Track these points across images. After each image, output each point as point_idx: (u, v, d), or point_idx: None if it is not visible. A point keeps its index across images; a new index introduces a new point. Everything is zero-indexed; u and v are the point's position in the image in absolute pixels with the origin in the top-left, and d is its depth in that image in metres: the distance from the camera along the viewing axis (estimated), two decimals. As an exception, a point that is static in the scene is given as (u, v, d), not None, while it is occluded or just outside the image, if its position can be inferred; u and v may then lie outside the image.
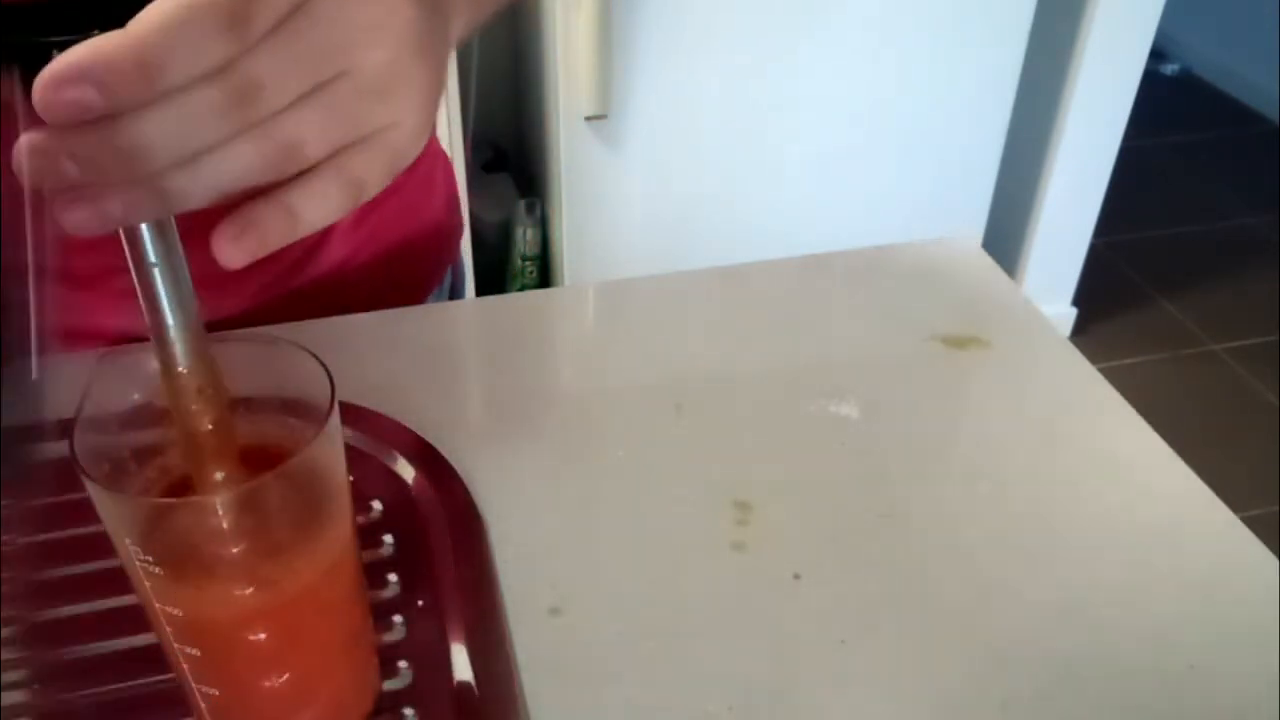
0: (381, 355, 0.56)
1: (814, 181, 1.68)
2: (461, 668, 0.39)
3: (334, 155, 0.29)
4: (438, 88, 0.32)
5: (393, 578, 0.43)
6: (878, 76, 1.60)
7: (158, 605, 0.31)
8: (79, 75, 0.23)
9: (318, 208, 0.29)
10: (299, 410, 0.32)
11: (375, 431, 0.48)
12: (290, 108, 0.27)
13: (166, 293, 0.28)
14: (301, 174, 0.29)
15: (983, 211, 1.79)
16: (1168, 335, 2.14)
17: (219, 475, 0.31)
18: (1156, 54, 2.02)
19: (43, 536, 0.44)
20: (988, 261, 0.64)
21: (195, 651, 0.32)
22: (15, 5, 0.25)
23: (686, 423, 0.52)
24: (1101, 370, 0.55)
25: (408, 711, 0.38)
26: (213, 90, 0.25)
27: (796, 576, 0.44)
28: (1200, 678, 0.40)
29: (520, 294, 0.65)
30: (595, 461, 0.49)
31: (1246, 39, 2.87)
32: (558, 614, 0.42)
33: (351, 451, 0.47)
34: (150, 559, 0.29)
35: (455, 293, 0.72)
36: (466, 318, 0.64)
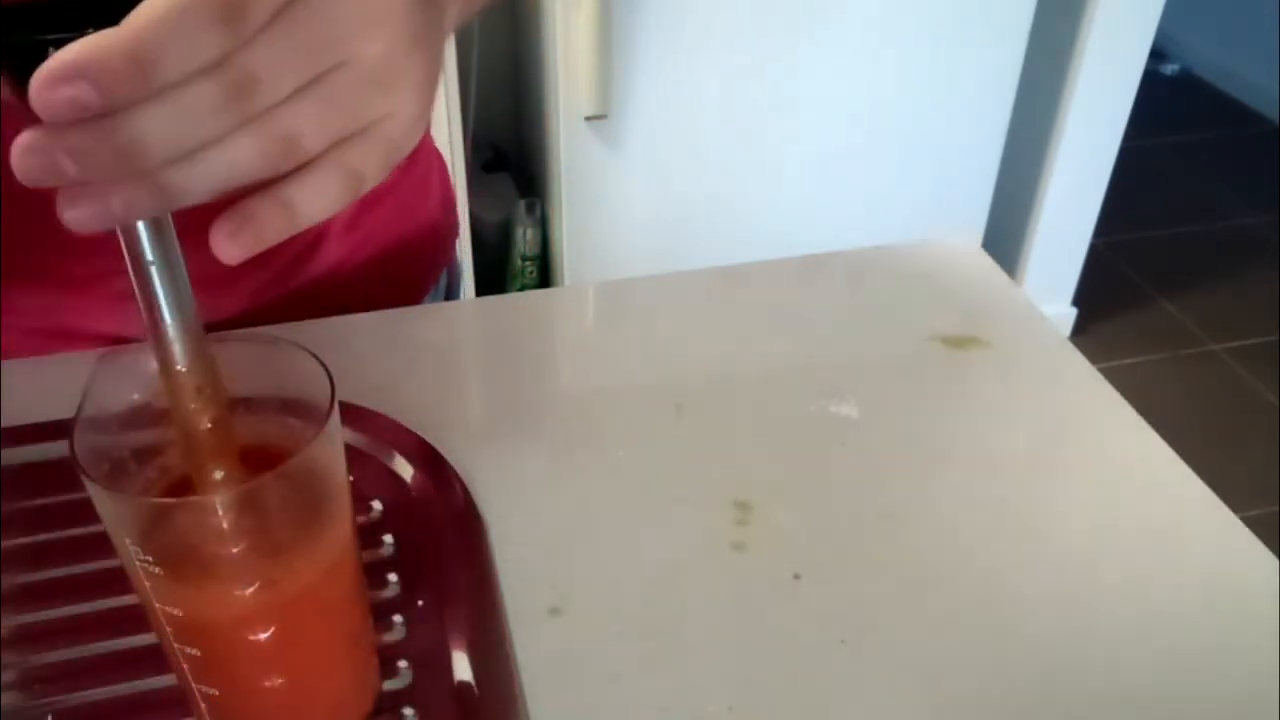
0: (381, 355, 0.56)
1: (814, 181, 1.68)
2: (461, 668, 0.39)
3: (332, 148, 0.29)
4: (434, 78, 0.32)
5: (393, 578, 0.43)
6: (878, 76, 1.60)
7: (158, 605, 0.31)
8: (75, 73, 0.23)
9: (316, 201, 0.29)
10: (299, 410, 0.32)
11: (375, 431, 0.48)
12: (287, 101, 0.27)
13: (164, 292, 0.28)
14: (299, 168, 0.29)
15: (983, 211, 1.79)
16: (1168, 335, 2.14)
17: (218, 474, 0.31)
18: (1156, 54, 2.02)
19: (43, 536, 0.44)
20: (988, 261, 0.64)
21: (195, 651, 0.32)
22: (11, 4, 0.25)
23: (686, 423, 0.52)
24: (1101, 370, 0.55)
25: (408, 711, 0.38)
26: (209, 85, 0.25)
27: (796, 576, 0.44)
28: (1200, 678, 0.40)
29: (520, 294, 0.65)
30: (595, 461, 0.49)
31: (1246, 39, 2.87)
32: (558, 614, 0.42)
33: (351, 451, 0.47)
34: (150, 559, 0.29)
35: (451, 294, 0.71)
36: (466, 318, 0.64)
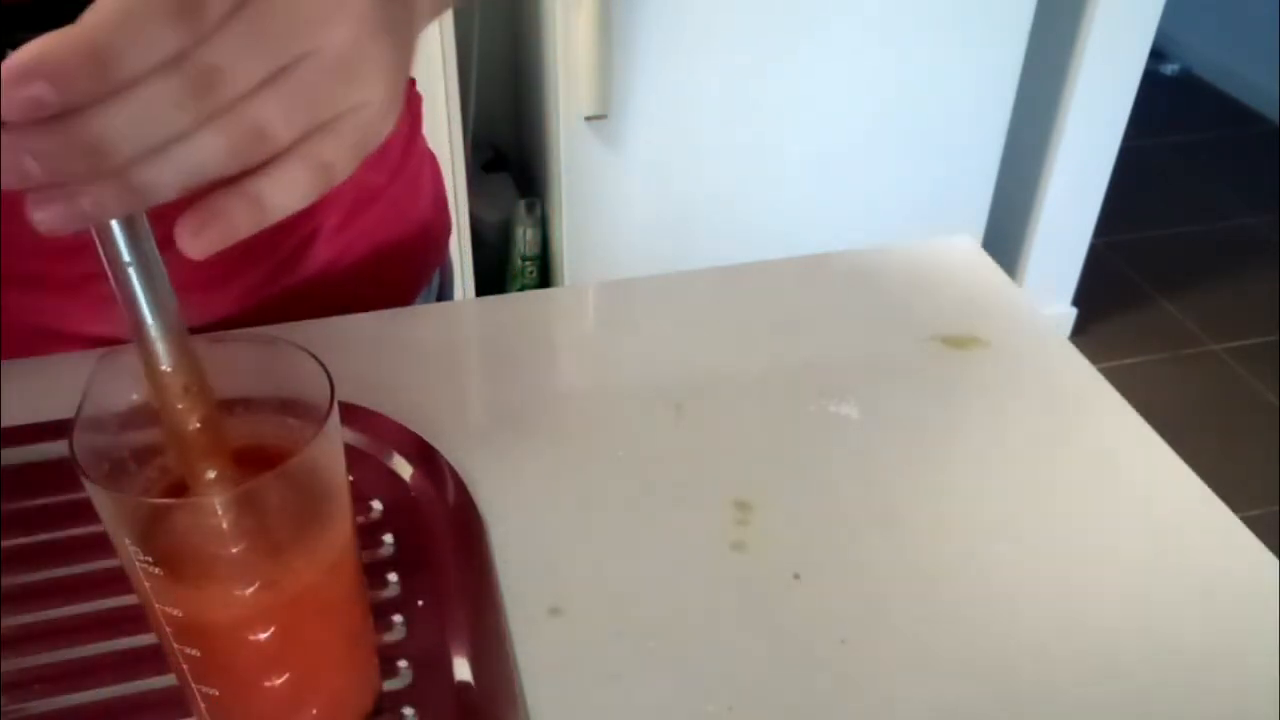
0: (381, 355, 0.56)
1: (814, 181, 1.68)
2: (461, 668, 0.39)
3: (301, 141, 0.29)
4: (403, 66, 0.32)
5: (393, 578, 0.43)
6: (878, 76, 1.60)
7: (158, 605, 0.31)
8: (31, 72, 0.23)
9: (284, 194, 0.29)
10: (299, 410, 0.32)
11: (375, 431, 0.48)
12: (253, 94, 0.27)
13: (144, 292, 0.28)
14: (267, 161, 0.28)
15: (983, 211, 1.79)
16: (1168, 335, 2.14)
17: (210, 474, 0.31)
18: (1156, 54, 2.02)
19: (43, 536, 0.44)
20: (988, 261, 0.64)
21: (195, 651, 0.32)
22: None
23: (687, 423, 0.52)
24: (1101, 370, 0.55)
25: (408, 711, 0.38)
26: (171, 80, 0.25)
27: (796, 576, 0.44)
28: (1200, 678, 0.40)
29: (520, 294, 0.65)
30: (595, 461, 0.49)
31: (1246, 39, 2.87)
32: (558, 614, 0.42)
33: (351, 451, 0.47)
34: (150, 559, 0.29)
35: (443, 293, 0.71)
36: (466, 318, 0.64)
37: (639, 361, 0.56)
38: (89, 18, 0.24)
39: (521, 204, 1.75)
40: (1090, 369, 0.55)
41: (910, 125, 1.66)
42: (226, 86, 0.26)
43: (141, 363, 0.29)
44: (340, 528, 0.33)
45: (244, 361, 0.33)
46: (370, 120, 0.31)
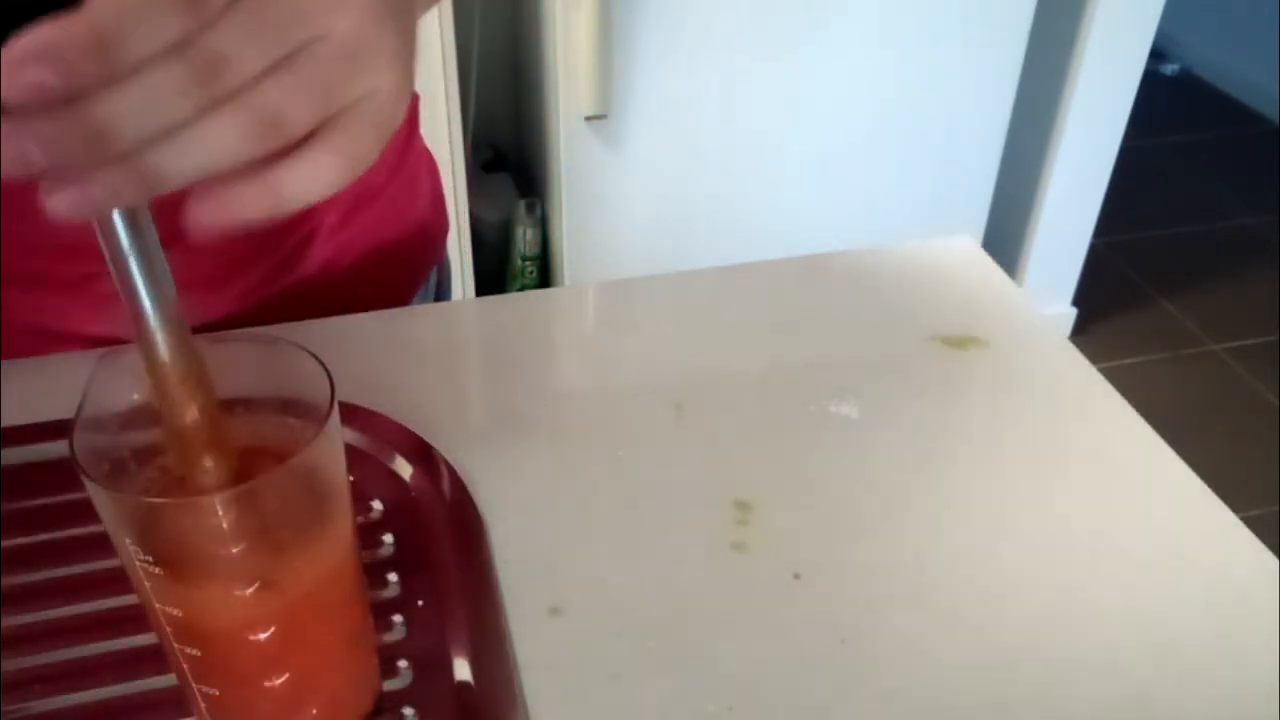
0: (381, 355, 0.56)
1: (814, 181, 1.68)
2: (461, 668, 0.39)
3: (321, 131, 0.29)
4: (409, 52, 0.32)
5: (393, 578, 0.43)
6: (877, 76, 1.60)
7: (158, 605, 0.31)
8: (34, 57, 0.23)
9: (306, 183, 0.29)
10: (299, 410, 0.32)
11: (375, 431, 0.48)
12: (261, 80, 0.27)
13: (144, 284, 0.28)
14: (288, 151, 0.28)
15: (983, 211, 1.79)
16: (1168, 335, 2.14)
17: (209, 465, 0.31)
18: (1156, 54, 2.02)
19: (43, 536, 0.44)
20: (987, 261, 0.64)
21: (195, 651, 0.32)
22: None
23: (686, 423, 0.52)
24: (1101, 370, 0.55)
25: (408, 711, 0.38)
26: (175, 66, 0.25)
27: (796, 576, 0.44)
28: (1200, 678, 0.40)
29: (520, 294, 0.65)
30: (595, 461, 0.49)
31: (1246, 39, 2.87)
32: (558, 614, 0.42)
33: (351, 451, 0.47)
34: (150, 559, 0.29)
35: (441, 293, 0.71)
36: (466, 318, 0.64)
37: (639, 361, 0.56)
38: (93, 3, 0.24)
39: (521, 204, 1.75)
40: (1090, 369, 0.55)
41: (910, 125, 1.66)
42: (231, 73, 0.26)
43: (141, 354, 0.29)
44: (340, 528, 0.33)
45: (244, 361, 0.33)
46: (383, 107, 0.30)
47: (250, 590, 0.31)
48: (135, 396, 0.32)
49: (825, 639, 0.41)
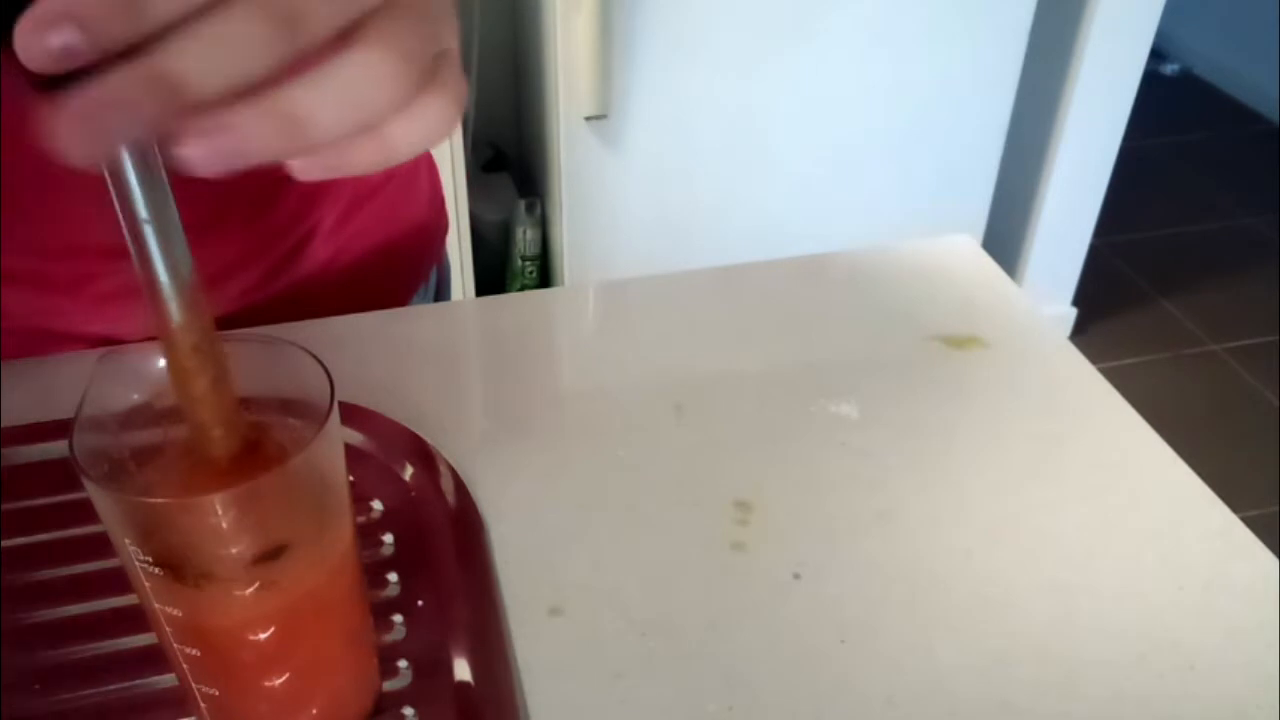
0: (381, 355, 0.56)
1: (814, 181, 1.68)
2: (461, 668, 0.39)
3: (416, 92, 0.28)
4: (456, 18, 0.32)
5: (393, 578, 0.43)
6: (878, 76, 1.60)
7: (158, 605, 0.31)
8: (60, 17, 0.23)
9: (418, 133, 0.28)
10: (299, 410, 0.32)
11: (375, 431, 0.48)
12: (343, 39, 0.26)
13: (159, 251, 0.27)
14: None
15: (983, 211, 1.79)
16: (1168, 335, 2.14)
17: (218, 435, 0.31)
18: (1156, 54, 2.02)
19: (43, 536, 0.44)
20: (988, 261, 0.64)
21: (195, 651, 0.32)
22: None
23: (687, 423, 0.52)
24: (1101, 370, 0.55)
25: (408, 711, 0.38)
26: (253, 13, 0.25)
27: (796, 576, 0.44)
28: (1200, 678, 0.40)
29: (520, 294, 0.65)
30: (595, 461, 0.49)
31: (1246, 39, 2.87)
32: (558, 614, 0.42)
33: (351, 451, 0.47)
34: (150, 559, 0.29)
35: (440, 293, 0.71)
36: (466, 318, 0.64)
37: (639, 361, 0.56)
38: None
39: (521, 204, 1.76)
40: (1090, 369, 0.55)
41: (910, 125, 1.66)
42: (310, 24, 0.26)
43: (154, 321, 0.29)
44: (340, 528, 0.33)
45: (244, 361, 0.32)
46: (455, 67, 0.30)
47: (250, 590, 0.31)
48: (135, 396, 0.32)
49: (825, 639, 0.41)
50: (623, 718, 0.39)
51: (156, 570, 0.30)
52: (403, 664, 0.39)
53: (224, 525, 0.30)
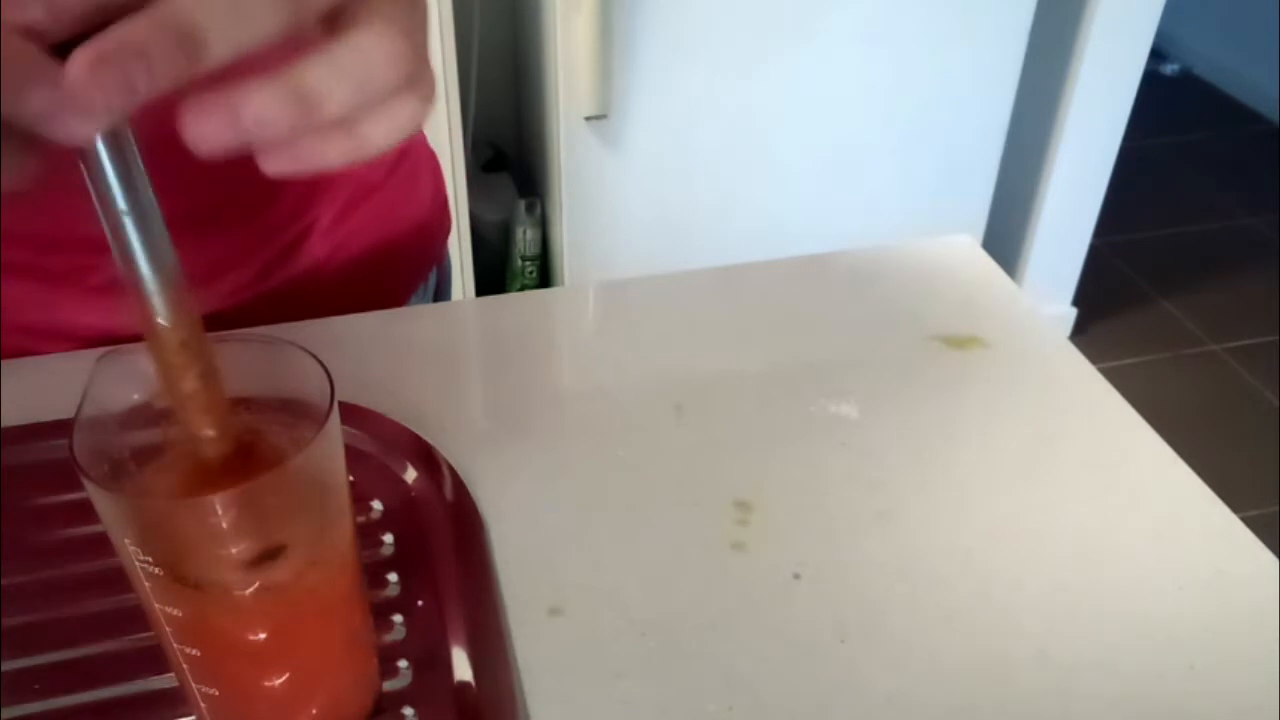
0: (381, 355, 0.56)
1: (814, 181, 1.68)
2: (461, 668, 0.39)
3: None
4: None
5: (393, 578, 0.43)
6: (878, 76, 1.60)
7: (157, 605, 0.31)
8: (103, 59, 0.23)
9: (387, 131, 0.29)
10: (299, 410, 0.32)
11: (375, 431, 0.48)
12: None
13: (140, 243, 0.27)
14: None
15: (983, 211, 1.79)
16: (1168, 335, 2.14)
17: (209, 432, 0.31)
18: (1156, 54, 2.02)
19: (43, 536, 0.44)
20: (988, 261, 0.64)
21: (195, 651, 0.32)
22: None
23: (687, 423, 0.52)
24: (1101, 370, 0.55)
25: (408, 711, 0.38)
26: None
27: (796, 576, 0.44)
28: (1200, 678, 0.40)
29: (520, 294, 0.65)
30: (595, 461, 0.49)
31: (1246, 39, 2.87)
32: (558, 614, 0.42)
33: (351, 451, 0.47)
34: (150, 559, 0.29)
35: (440, 292, 0.71)
36: (466, 318, 0.64)
37: (639, 361, 0.56)
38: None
39: (521, 204, 1.76)
40: (1090, 369, 0.55)
41: (910, 125, 1.66)
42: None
43: (139, 317, 0.28)
44: (340, 528, 0.33)
45: (244, 361, 0.32)
46: (427, 62, 0.30)
47: (250, 590, 0.31)
48: (135, 396, 0.32)
49: (825, 639, 0.41)
50: (623, 718, 0.39)
51: (156, 570, 0.30)
52: (403, 664, 0.39)
53: (224, 525, 0.30)
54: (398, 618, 0.41)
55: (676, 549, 0.45)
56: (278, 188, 0.57)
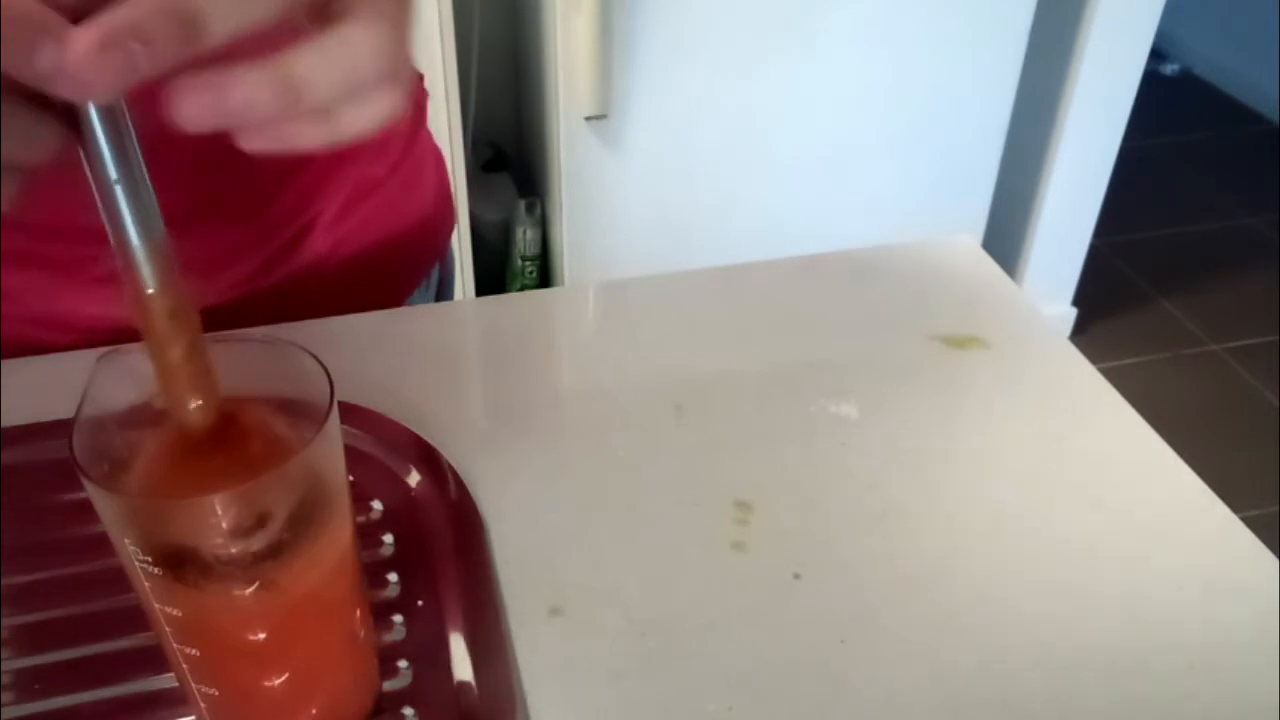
0: (381, 355, 0.56)
1: (814, 181, 1.68)
2: (461, 668, 0.39)
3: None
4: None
5: (393, 578, 0.43)
6: (878, 76, 1.60)
7: (157, 605, 0.31)
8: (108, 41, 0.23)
9: (366, 118, 0.29)
10: (299, 410, 0.32)
11: (375, 431, 0.48)
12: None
13: (130, 211, 0.27)
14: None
15: (983, 211, 1.79)
16: (1168, 335, 2.14)
17: (195, 404, 0.31)
18: (1156, 54, 2.02)
19: (43, 536, 0.44)
20: (988, 261, 0.64)
21: (195, 651, 0.32)
22: None
23: (687, 423, 0.52)
24: (1101, 370, 0.55)
25: (408, 711, 0.38)
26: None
27: (796, 576, 0.44)
28: (1200, 678, 0.40)
29: (520, 294, 0.65)
30: (595, 461, 0.49)
31: (1246, 39, 2.87)
32: (558, 614, 0.42)
33: (351, 451, 0.47)
34: (150, 559, 0.29)
35: (443, 290, 0.71)
36: (466, 318, 0.64)
37: (639, 361, 0.56)
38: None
39: (521, 204, 1.75)
40: (1090, 369, 0.55)
41: (910, 125, 1.66)
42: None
43: (127, 287, 0.29)
44: (340, 528, 0.33)
45: (244, 361, 0.32)
46: (408, 57, 0.31)
47: (250, 590, 0.31)
48: (135, 396, 0.32)
49: (825, 639, 0.41)
50: (623, 718, 0.39)
51: (156, 570, 0.30)
52: (403, 664, 0.39)
53: (224, 525, 0.30)
54: (398, 618, 0.41)
55: (676, 549, 0.45)
56: (280, 183, 0.57)
